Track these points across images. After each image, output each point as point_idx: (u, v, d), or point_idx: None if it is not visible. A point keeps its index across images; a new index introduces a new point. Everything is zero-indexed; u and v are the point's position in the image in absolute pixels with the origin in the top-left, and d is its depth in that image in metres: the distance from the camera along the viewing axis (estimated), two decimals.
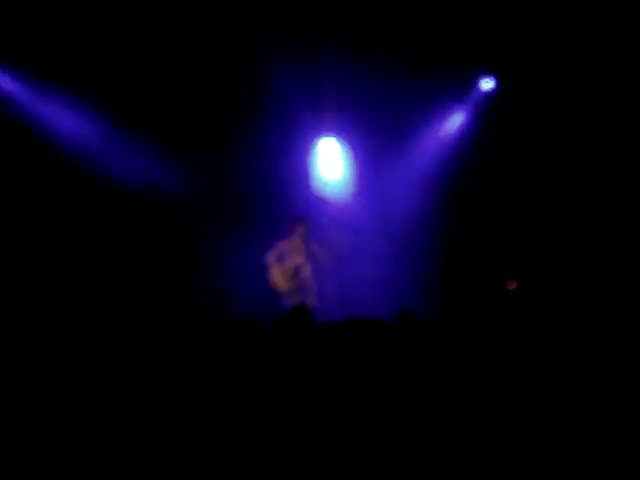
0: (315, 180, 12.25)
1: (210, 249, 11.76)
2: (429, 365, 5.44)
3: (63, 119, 11.44)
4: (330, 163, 12.30)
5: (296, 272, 10.73)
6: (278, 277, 10.72)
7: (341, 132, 12.16)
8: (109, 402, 5.28)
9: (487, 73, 12.16)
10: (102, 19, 11.04)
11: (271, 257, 10.76)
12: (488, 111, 12.31)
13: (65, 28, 10.98)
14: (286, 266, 10.72)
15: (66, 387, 5.51)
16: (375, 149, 12.16)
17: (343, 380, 4.97)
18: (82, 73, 11.28)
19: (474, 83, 12.27)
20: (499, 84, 12.19)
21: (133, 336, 6.91)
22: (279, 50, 11.27)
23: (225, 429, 4.85)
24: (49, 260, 11.24)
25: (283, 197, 11.89)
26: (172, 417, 5.00)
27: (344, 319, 5.65)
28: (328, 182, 12.35)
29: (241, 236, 11.56)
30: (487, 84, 12.22)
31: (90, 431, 4.99)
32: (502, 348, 6.13)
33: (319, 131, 12.17)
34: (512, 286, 11.71)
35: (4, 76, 11.12)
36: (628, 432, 4.91)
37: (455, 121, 12.51)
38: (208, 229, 11.91)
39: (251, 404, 4.96)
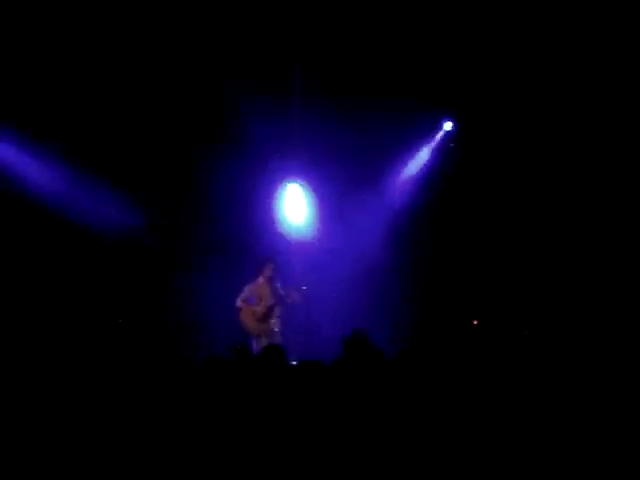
0: (281, 222, 12.41)
1: (179, 290, 11.84)
2: (398, 404, 5.50)
3: (31, 168, 11.57)
4: (295, 206, 12.49)
5: (267, 314, 10.79)
6: (248, 319, 10.78)
7: (307, 176, 12.38)
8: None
9: (448, 116, 12.47)
10: (69, 70, 11.24)
11: (240, 300, 10.82)
12: (449, 151, 12.58)
13: (31, 80, 11.17)
14: (257, 308, 10.78)
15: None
16: (340, 191, 12.35)
17: (317, 421, 5.04)
18: (50, 124, 11.44)
19: (436, 125, 12.58)
20: (459, 126, 12.50)
21: (108, 373, 6.91)
22: (247, 97, 11.46)
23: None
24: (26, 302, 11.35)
25: (250, 239, 12.03)
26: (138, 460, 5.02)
27: (314, 360, 5.73)
28: (294, 224, 12.50)
29: (209, 277, 11.64)
30: (448, 126, 12.52)
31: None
32: (470, 387, 6.20)
33: (285, 175, 12.40)
34: (474, 325, 11.90)
35: None
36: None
37: (419, 161, 12.76)
38: (177, 270, 12.00)
39: (222, 446, 5.00)
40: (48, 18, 10.82)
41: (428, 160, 12.71)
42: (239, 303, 10.79)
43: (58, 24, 10.87)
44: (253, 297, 10.85)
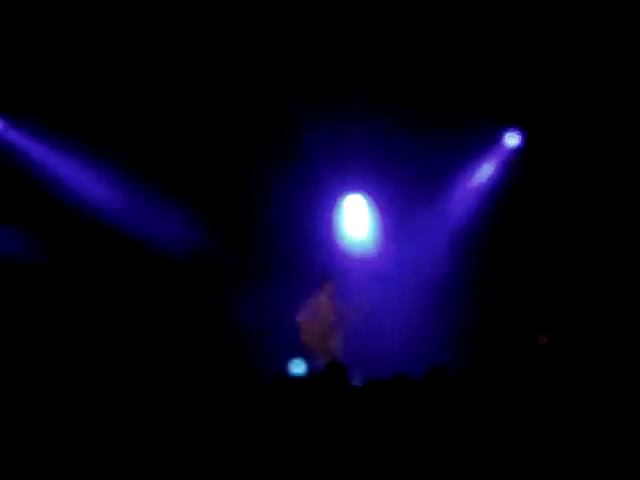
0: (342, 237, 12.33)
1: (239, 305, 11.83)
2: (460, 419, 5.43)
3: (87, 182, 11.70)
4: (357, 219, 12.39)
5: (328, 332, 10.74)
6: (309, 336, 10.72)
7: (368, 188, 12.27)
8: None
9: (513, 128, 12.27)
10: (132, 83, 11.33)
11: (302, 316, 10.78)
12: (514, 165, 12.39)
13: (94, 92, 11.30)
14: (318, 326, 10.74)
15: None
16: (402, 204, 12.21)
17: (378, 438, 4.98)
18: (109, 137, 11.55)
19: (499, 138, 12.37)
20: (525, 139, 12.29)
21: (166, 391, 6.93)
22: (306, 108, 11.44)
23: None
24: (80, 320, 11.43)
25: (311, 254, 11.97)
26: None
27: (376, 378, 5.68)
28: (355, 238, 12.41)
29: (269, 293, 11.61)
30: (512, 139, 12.30)
31: None
32: (532, 403, 6.11)
33: (345, 188, 12.31)
34: (543, 341, 11.65)
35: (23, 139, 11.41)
36: None
37: (483, 174, 12.58)
38: (237, 286, 11.99)
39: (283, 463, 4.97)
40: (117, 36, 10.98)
41: (492, 173, 12.52)
42: (301, 319, 10.76)
43: (127, 42, 11.02)
44: (315, 314, 10.82)
